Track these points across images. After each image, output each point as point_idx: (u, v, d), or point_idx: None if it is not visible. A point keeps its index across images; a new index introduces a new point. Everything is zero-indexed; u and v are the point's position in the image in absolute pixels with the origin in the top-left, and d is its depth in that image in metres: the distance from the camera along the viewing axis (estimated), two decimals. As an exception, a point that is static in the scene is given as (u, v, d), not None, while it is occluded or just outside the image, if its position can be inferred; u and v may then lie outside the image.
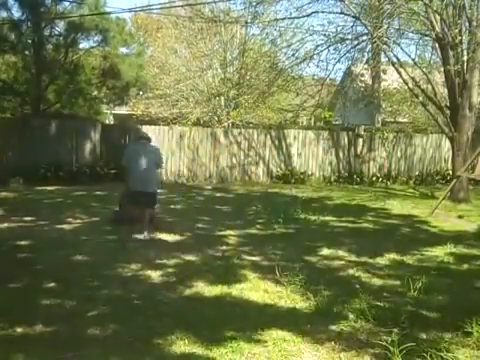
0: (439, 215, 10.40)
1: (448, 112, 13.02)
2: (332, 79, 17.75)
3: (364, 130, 17.05)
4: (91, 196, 12.34)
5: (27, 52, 16.03)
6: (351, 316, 4.48)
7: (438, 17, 12.06)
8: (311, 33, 14.31)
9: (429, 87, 13.80)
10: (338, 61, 14.94)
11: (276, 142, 16.51)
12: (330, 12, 14.26)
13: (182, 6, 18.34)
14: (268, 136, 16.48)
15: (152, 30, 27.42)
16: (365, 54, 14.94)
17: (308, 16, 13.81)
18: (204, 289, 5.25)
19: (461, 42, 11.77)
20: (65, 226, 8.53)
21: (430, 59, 15.25)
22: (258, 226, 8.75)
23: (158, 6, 21.73)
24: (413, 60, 14.03)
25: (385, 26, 12.53)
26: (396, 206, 11.66)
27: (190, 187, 14.81)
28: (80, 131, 15.13)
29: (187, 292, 5.19)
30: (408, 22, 13.92)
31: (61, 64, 15.95)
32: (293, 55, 14.82)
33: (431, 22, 12.18)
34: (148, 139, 8.22)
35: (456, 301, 5.05)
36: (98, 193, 12.80)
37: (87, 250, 6.79)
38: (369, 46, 14.25)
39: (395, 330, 4.06)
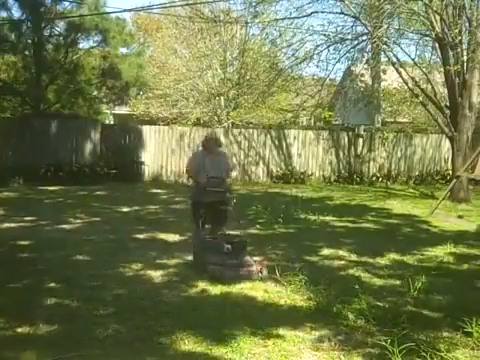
0: (439, 215, 10.40)
1: (448, 112, 13.02)
2: (332, 79, 17.73)
3: (364, 130, 17.05)
4: (91, 196, 12.38)
5: (27, 52, 16.03)
6: (351, 316, 4.47)
7: (438, 17, 12.06)
8: (311, 33, 14.31)
9: (429, 87, 13.79)
10: (338, 61, 14.92)
11: (276, 142, 16.50)
12: (330, 12, 14.31)
13: (182, 6, 18.32)
14: (268, 136, 16.48)
15: (152, 30, 27.43)
16: (365, 54, 14.92)
17: (308, 16, 13.82)
18: (204, 289, 5.25)
19: (461, 42, 11.77)
20: (66, 226, 8.54)
21: (430, 59, 15.23)
22: (258, 226, 8.74)
23: (158, 6, 21.70)
24: (413, 60, 14.03)
25: (385, 26, 12.53)
26: (396, 206, 11.66)
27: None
28: (80, 131, 15.14)
29: (187, 292, 5.19)
30: (408, 22, 13.91)
31: (61, 64, 15.95)
32: (293, 55, 14.81)
33: (431, 22, 12.18)
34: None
35: (456, 301, 5.05)
36: (98, 193, 12.85)
37: (88, 250, 6.80)
38: (369, 46, 14.24)
39: (395, 330, 4.06)
